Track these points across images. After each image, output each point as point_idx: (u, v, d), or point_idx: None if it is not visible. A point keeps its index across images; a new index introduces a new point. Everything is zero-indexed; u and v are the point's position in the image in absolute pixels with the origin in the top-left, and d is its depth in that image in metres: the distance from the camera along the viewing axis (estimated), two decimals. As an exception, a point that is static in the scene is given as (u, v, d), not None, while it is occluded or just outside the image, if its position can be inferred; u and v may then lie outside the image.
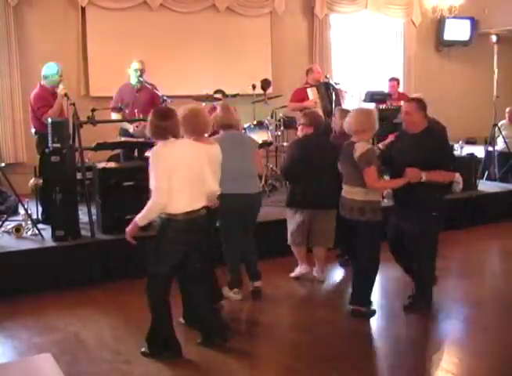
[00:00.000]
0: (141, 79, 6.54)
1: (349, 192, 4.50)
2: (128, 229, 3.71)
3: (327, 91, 7.43)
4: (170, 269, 3.78)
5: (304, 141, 5.29)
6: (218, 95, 7.66)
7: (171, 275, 3.83)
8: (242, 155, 4.79)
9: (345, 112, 5.72)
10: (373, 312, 4.59)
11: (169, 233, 3.71)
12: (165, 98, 6.31)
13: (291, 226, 5.33)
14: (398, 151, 4.54)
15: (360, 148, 4.36)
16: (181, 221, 3.67)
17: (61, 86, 5.90)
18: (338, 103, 7.30)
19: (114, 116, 6.50)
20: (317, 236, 5.22)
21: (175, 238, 3.71)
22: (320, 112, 7.31)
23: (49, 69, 5.99)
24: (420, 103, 4.52)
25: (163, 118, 3.69)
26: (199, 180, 3.78)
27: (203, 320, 4.08)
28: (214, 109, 7.69)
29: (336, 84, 7.61)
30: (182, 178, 3.64)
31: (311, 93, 7.42)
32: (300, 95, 7.48)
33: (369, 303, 4.62)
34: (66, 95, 5.89)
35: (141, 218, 3.67)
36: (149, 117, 3.76)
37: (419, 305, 4.63)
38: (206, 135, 4.41)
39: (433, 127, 4.72)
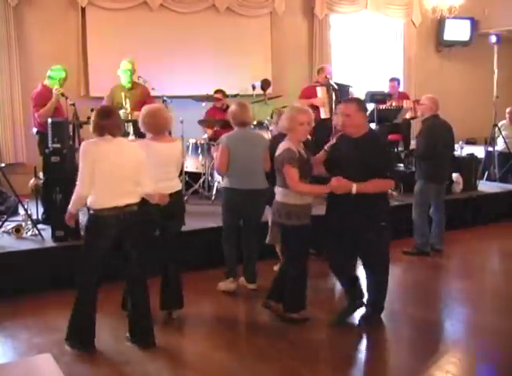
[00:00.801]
0: (133, 78, 6.55)
1: (276, 191, 4.37)
2: (66, 217, 4.05)
3: (338, 92, 7.51)
4: (96, 261, 3.96)
5: (272, 141, 5.34)
6: (218, 95, 7.68)
7: (97, 268, 3.99)
8: (250, 153, 4.87)
9: None
10: (304, 320, 4.41)
11: (92, 227, 3.95)
12: (165, 98, 6.32)
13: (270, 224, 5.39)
14: (337, 155, 4.25)
15: (280, 148, 4.23)
16: (102, 216, 3.87)
17: (56, 86, 5.91)
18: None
19: None
20: None
21: (97, 232, 3.92)
22: (327, 111, 7.42)
23: (55, 72, 6.01)
24: (361, 104, 4.22)
25: (103, 117, 3.88)
26: (126, 178, 3.90)
27: (138, 320, 4.10)
28: (214, 109, 7.74)
29: (349, 86, 7.75)
30: (103, 175, 3.82)
31: (321, 92, 7.52)
32: (309, 93, 7.59)
33: (298, 309, 4.43)
34: (63, 95, 5.89)
35: (70, 207, 3.97)
36: (92, 115, 3.97)
37: (372, 320, 4.41)
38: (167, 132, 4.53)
39: (374, 131, 4.38)
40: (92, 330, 4.03)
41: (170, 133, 5.73)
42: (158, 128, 4.34)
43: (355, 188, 3.96)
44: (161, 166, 4.29)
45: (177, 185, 4.50)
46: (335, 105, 7.25)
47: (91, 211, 3.92)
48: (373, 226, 4.14)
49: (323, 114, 7.46)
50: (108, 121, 3.86)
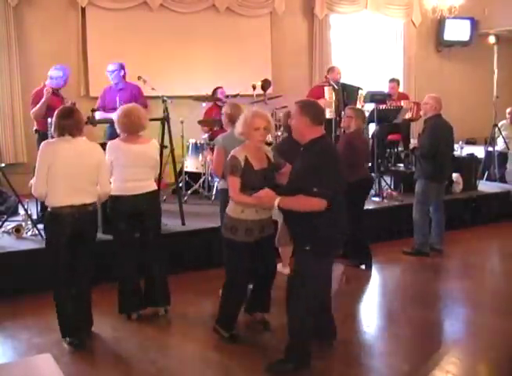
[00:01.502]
0: (115, 80, 6.57)
1: None
2: None
3: (344, 92, 7.53)
4: (60, 260, 4.05)
5: (280, 144, 5.34)
6: (221, 94, 7.69)
7: (65, 264, 4.07)
8: None
9: (356, 111, 5.80)
10: (231, 338, 4.14)
11: (50, 224, 4.07)
12: (165, 98, 6.31)
13: (279, 227, 5.35)
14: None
15: (229, 155, 4.03)
16: (59, 214, 3.97)
17: (47, 86, 5.94)
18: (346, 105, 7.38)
19: (98, 115, 6.53)
20: None
21: (52, 229, 4.07)
22: (332, 111, 7.45)
23: (56, 72, 6.04)
24: (305, 106, 3.64)
25: (63, 117, 3.98)
26: (82, 178, 3.99)
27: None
28: (213, 108, 7.73)
29: (359, 89, 7.81)
30: (59, 175, 3.92)
31: (328, 92, 7.55)
32: (317, 93, 7.63)
33: (225, 328, 4.18)
34: (55, 93, 5.91)
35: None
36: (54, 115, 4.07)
37: (281, 368, 3.74)
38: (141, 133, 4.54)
39: (321, 141, 3.64)
40: (77, 327, 4.10)
41: (163, 135, 5.73)
42: (132, 127, 4.38)
43: (276, 202, 3.56)
44: (130, 167, 4.37)
45: (148, 186, 4.50)
46: (338, 105, 7.31)
47: (49, 209, 4.02)
48: (297, 247, 3.68)
49: (328, 114, 7.47)
50: (68, 122, 3.96)
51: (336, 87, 7.52)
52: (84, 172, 3.99)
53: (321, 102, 7.37)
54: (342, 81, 8.11)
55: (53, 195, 3.96)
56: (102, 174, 4.10)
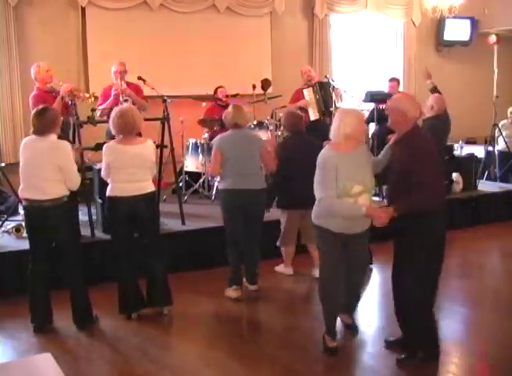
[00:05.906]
0: (119, 81, 6.55)
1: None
2: None
3: (322, 90, 7.45)
4: (34, 250, 4.35)
5: (283, 143, 5.42)
6: (222, 93, 7.67)
7: (39, 257, 4.32)
8: (246, 153, 4.85)
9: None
10: None
11: (24, 215, 4.47)
12: (165, 98, 6.31)
13: (282, 227, 5.37)
14: None
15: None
16: (24, 206, 4.39)
17: (64, 85, 5.92)
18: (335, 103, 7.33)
19: (99, 113, 6.52)
20: (310, 234, 4.93)
21: (26, 220, 4.42)
22: (315, 112, 7.40)
23: (33, 69, 6.06)
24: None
25: (35, 116, 4.23)
26: (38, 175, 4.20)
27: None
28: (214, 107, 7.72)
29: (329, 80, 7.63)
30: (23, 169, 4.27)
31: (307, 94, 7.50)
32: (297, 96, 7.57)
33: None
34: (72, 91, 5.88)
35: None
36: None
37: None
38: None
39: None
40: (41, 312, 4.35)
41: (163, 134, 5.71)
42: (127, 128, 4.38)
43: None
44: (127, 168, 4.36)
45: (145, 187, 4.48)
46: (334, 104, 7.27)
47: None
48: None
49: (312, 116, 7.44)
50: (37, 121, 4.21)
51: (314, 86, 7.47)
52: (41, 170, 4.17)
53: (301, 103, 7.37)
54: (340, 81, 8.07)
55: (20, 189, 4.30)
56: (67, 172, 4.23)
